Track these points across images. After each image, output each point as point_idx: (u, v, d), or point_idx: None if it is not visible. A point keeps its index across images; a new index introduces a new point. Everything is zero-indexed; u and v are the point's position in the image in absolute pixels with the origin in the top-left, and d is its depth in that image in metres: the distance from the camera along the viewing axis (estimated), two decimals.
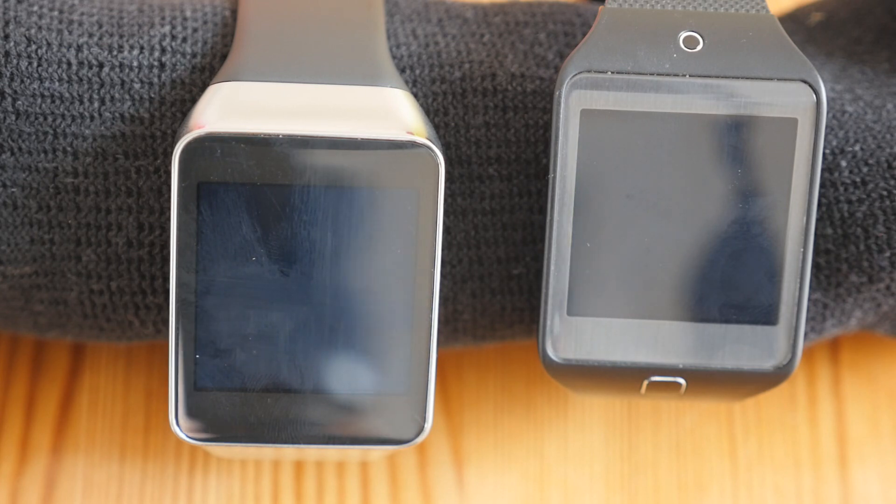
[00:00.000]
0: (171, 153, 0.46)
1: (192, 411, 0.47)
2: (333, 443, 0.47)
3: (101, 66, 0.48)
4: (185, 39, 0.49)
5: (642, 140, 0.47)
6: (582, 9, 0.52)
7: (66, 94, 0.48)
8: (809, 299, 0.50)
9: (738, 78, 0.46)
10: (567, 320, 0.48)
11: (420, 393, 0.47)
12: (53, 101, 0.48)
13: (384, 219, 0.46)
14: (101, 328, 0.51)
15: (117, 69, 0.48)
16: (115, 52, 0.48)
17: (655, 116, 0.47)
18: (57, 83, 0.48)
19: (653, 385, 0.49)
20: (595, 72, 0.46)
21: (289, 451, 0.50)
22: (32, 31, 0.48)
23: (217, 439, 0.47)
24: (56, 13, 0.49)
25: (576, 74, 0.46)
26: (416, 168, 0.46)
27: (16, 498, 0.53)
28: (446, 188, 0.49)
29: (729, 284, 0.47)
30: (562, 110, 0.46)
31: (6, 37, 0.48)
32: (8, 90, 0.48)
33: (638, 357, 0.48)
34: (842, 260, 0.50)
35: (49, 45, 0.48)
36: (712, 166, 0.47)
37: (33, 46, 0.48)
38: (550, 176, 0.47)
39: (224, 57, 0.49)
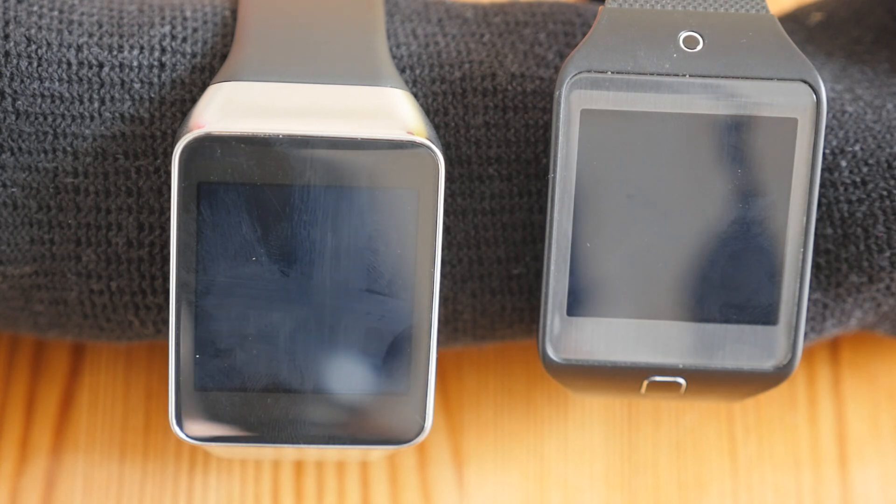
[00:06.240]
0: (171, 153, 0.46)
1: (192, 411, 0.47)
2: (333, 443, 0.47)
3: (101, 66, 0.48)
4: (185, 39, 0.49)
5: (642, 140, 0.47)
6: (582, 9, 0.52)
7: (66, 94, 0.48)
8: (809, 299, 0.50)
9: (738, 78, 0.46)
10: (567, 320, 0.48)
11: (420, 393, 0.47)
12: (53, 101, 0.48)
13: (384, 219, 0.46)
14: (101, 328, 0.51)
15: (117, 69, 0.48)
16: (115, 52, 0.48)
17: (655, 116, 0.47)
18: (57, 83, 0.48)
19: (653, 385, 0.49)
20: (595, 72, 0.46)
21: (289, 451, 0.50)
22: (32, 31, 0.48)
23: (217, 439, 0.47)
24: (56, 13, 0.49)
25: (576, 74, 0.46)
26: (416, 168, 0.45)
27: (16, 498, 0.53)
28: (446, 188, 0.49)
29: (729, 284, 0.47)
30: (562, 110, 0.46)
31: (6, 37, 0.48)
32: (8, 90, 0.48)
33: (638, 357, 0.48)
34: (842, 260, 0.50)
35: (49, 45, 0.48)
36: (712, 166, 0.47)
37: (33, 46, 0.48)
38: (550, 176, 0.47)
39: (224, 57, 0.49)
